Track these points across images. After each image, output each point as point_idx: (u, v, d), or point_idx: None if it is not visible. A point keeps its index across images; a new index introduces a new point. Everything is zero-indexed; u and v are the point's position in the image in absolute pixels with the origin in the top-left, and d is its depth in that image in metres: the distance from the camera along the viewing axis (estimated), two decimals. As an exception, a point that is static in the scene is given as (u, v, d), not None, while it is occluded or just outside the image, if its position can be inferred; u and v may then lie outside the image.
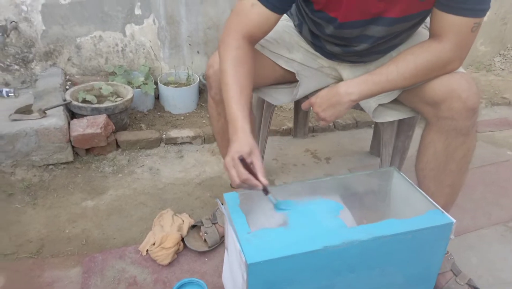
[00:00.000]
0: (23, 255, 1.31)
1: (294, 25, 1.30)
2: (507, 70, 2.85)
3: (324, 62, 1.30)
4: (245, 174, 0.92)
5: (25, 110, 1.79)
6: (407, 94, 1.13)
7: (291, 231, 0.94)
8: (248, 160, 0.94)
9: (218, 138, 1.36)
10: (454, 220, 0.99)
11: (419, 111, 1.15)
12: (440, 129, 1.06)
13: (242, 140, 0.95)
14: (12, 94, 1.99)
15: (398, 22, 1.04)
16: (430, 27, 1.05)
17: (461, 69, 1.08)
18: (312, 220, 0.98)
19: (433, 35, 1.04)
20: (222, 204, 1.04)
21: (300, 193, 1.09)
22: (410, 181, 1.13)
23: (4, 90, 2.00)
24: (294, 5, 1.24)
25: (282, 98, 1.33)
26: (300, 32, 1.28)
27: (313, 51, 1.29)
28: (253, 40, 1.09)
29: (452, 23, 0.98)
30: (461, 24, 0.97)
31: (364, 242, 0.91)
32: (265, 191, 0.97)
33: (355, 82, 1.06)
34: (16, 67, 2.10)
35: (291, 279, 0.91)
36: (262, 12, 1.03)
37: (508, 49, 3.02)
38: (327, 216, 0.99)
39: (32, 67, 2.11)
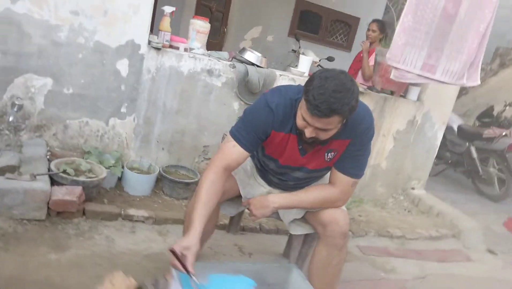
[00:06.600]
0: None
1: (251, 157, 1.87)
2: (396, 210, 3.68)
3: (264, 189, 1.86)
4: (174, 261, 1.33)
5: (8, 170, 2.15)
6: (310, 215, 1.73)
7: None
8: (184, 252, 1.34)
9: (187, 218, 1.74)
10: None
11: (315, 228, 1.74)
12: (325, 243, 1.66)
13: (188, 237, 1.38)
14: (-4, 154, 2.35)
15: (311, 172, 1.70)
16: (329, 178, 1.70)
17: (343, 207, 1.72)
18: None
19: (330, 182, 1.69)
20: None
21: (226, 270, 1.58)
22: (304, 276, 1.67)
23: (-10, 149, 2.35)
24: None
25: (231, 210, 1.91)
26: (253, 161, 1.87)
27: (260, 180, 1.87)
28: (229, 169, 1.58)
29: (340, 178, 1.64)
30: (345, 179, 1.63)
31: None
32: (189, 274, 1.34)
33: (279, 196, 1.68)
34: (6, 132, 2.48)
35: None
36: (240, 151, 1.56)
37: (399, 194, 3.91)
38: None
39: (21, 135, 2.51)
